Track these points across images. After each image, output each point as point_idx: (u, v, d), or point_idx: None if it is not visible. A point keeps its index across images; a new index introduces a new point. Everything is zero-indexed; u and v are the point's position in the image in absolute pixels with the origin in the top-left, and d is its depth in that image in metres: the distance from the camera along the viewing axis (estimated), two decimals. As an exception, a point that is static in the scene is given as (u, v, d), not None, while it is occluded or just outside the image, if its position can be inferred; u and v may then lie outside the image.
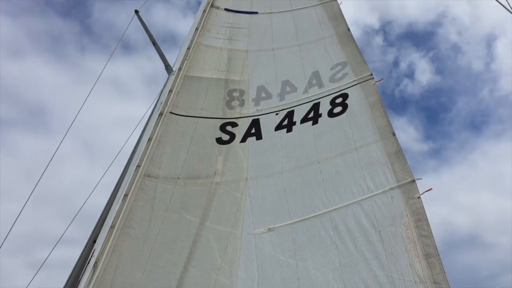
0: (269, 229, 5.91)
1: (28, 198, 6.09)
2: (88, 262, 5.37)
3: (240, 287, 5.50)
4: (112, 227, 5.61)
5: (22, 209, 5.96)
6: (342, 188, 5.99)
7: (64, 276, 5.55)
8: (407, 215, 5.31)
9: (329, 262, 5.35)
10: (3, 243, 5.61)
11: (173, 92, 7.26)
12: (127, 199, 5.87)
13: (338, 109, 7.07)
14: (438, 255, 4.86)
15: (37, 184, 6.24)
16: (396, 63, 35.50)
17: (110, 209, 6.03)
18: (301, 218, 5.90)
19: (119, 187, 6.28)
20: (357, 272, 5.12)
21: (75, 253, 5.78)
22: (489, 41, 33.61)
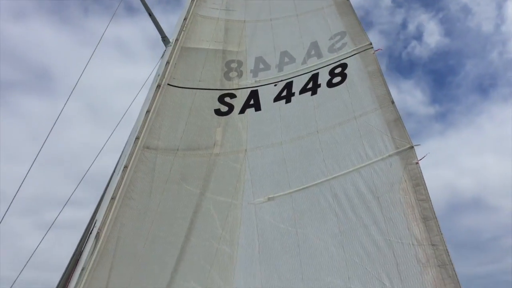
0: (269, 199, 5.95)
1: (35, 160, 6.08)
2: (90, 233, 5.43)
3: (241, 255, 5.58)
4: (113, 198, 5.66)
5: (29, 170, 5.97)
6: (341, 156, 6.01)
7: (72, 236, 5.63)
8: (405, 180, 5.35)
9: (328, 229, 5.41)
10: (10, 204, 5.65)
11: (170, 63, 7.21)
12: (127, 171, 5.91)
13: (337, 79, 7.03)
14: (436, 217, 4.91)
15: (42, 145, 6.22)
16: (404, 25, 34.88)
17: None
18: (301, 187, 5.94)
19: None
20: (356, 238, 5.19)
21: (83, 215, 5.84)
22: (500, 2, 32.99)
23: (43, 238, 5.60)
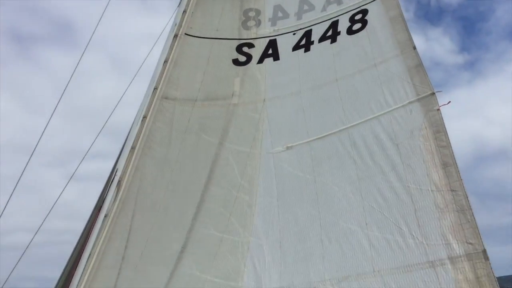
0: (287, 148, 5.96)
1: (54, 110, 6.17)
2: (112, 181, 5.55)
3: (260, 203, 5.66)
4: (133, 148, 5.74)
5: (49, 120, 6.06)
6: (361, 104, 5.91)
7: (98, 187, 5.76)
8: (425, 127, 5.23)
9: (346, 176, 5.40)
10: (30, 157, 5.80)
11: (187, 12, 7.08)
12: (146, 121, 5.95)
13: (357, 26, 6.83)
14: (456, 164, 4.82)
15: (62, 96, 6.29)
16: (434, -31, 33.13)
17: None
18: (319, 136, 5.91)
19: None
20: (374, 185, 5.18)
21: (110, 166, 5.94)
22: None
23: (64, 188, 5.75)
